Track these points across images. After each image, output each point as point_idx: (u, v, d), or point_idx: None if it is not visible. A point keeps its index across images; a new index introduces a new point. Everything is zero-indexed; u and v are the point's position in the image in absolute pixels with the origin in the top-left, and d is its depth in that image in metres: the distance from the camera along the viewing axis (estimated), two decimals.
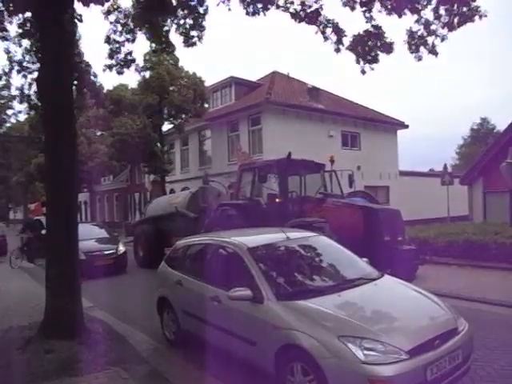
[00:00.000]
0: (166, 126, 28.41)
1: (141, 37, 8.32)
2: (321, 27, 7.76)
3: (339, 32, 7.75)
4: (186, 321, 5.70)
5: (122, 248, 13.94)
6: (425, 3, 7.15)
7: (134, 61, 8.56)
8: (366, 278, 4.84)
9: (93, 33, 13.02)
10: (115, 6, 8.01)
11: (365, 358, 3.44)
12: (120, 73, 8.54)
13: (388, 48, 7.68)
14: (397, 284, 4.93)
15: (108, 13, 8.04)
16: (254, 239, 5.55)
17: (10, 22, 8.01)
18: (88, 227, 15.41)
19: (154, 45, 8.87)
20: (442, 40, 7.36)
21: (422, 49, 7.54)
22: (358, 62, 7.87)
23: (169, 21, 8.14)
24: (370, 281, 4.78)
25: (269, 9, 7.71)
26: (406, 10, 7.20)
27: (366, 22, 7.62)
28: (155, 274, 6.80)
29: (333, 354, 3.56)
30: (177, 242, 6.75)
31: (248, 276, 4.62)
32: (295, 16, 7.75)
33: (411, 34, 7.48)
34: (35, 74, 8.77)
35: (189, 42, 8.30)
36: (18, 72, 8.98)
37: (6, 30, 8.17)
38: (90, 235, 13.47)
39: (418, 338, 3.67)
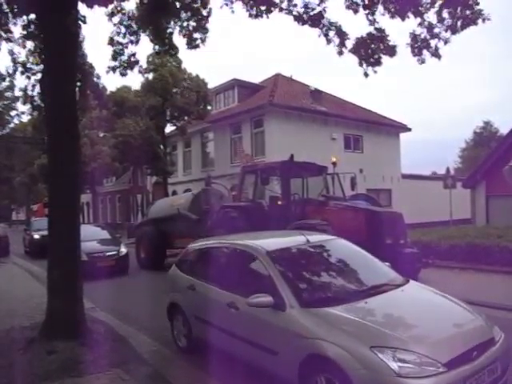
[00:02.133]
0: (169, 128, 28.57)
1: (144, 39, 8.35)
2: (324, 30, 7.76)
3: (342, 35, 7.75)
4: (199, 327, 5.44)
5: (123, 249, 13.92)
6: (428, 6, 7.15)
7: (137, 62, 8.58)
8: (392, 284, 4.63)
9: (96, 34, 13.06)
10: (119, 8, 8.03)
11: (399, 370, 3.22)
12: (123, 74, 8.55)
13: (391, 51, 7.67)
14: (424, 290, 4.72)
15: (112, 14, 8.06)
16: (273, 242, 5.31)
17: (15, 24, 8.03)
18: (90, 228, 15.49)
19: (157, 47, 8.87)
20: (446, 43, 7.34)
21: (425, 52, 7.53)
22: (360, 65, 7.87)
23: (172, 23, 8.16)
24: (396, 287, 4.56)
25: (272, 11, 7.72)
26: (409, 13, 7.19)
27: (369, 24, 7.62)
28: (166, 277, 6.55)
29: (364, 366, 3.33)
30: (188, 246, 6.50)
31: (268, 281, 4.38)
32: (298, 19, 7.76)
33: (414, 36, 7.47)
34: (39, 76, 8.78)
35: (192, 44, 8.32)
36: (22, 73, 8.99)
37: (11, 32, 8.19)
38: (92, 236, 13.44)
39: (454, 349, 3.43)
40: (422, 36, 7.44)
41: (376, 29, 7.61)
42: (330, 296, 4.32)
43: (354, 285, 4.63)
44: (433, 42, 7.43)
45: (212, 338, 5.22)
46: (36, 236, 18.71)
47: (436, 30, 7.31)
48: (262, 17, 7.72)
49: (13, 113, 36.87)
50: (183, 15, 8.05)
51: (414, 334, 3.69)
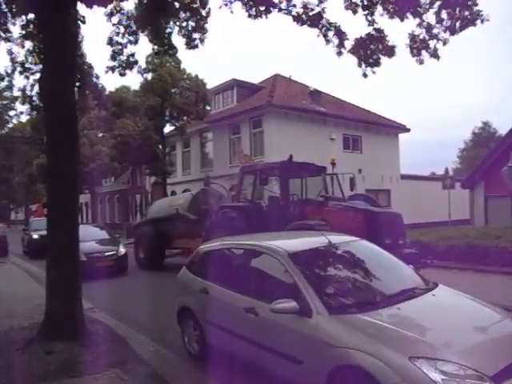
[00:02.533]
0: (168, 128, 28.55)
1: (143, 39, 8.36)
2: (323, 30, 7.77)
3: (341, 35, 7.76)
4: (213, 334, 5.09)
5: (122, 249, 13.91)
6: (427, 7, 7.16)
7: (136, 62, 8.59)
8: (421, 288, 4.39)
9: (95, 34, 13.06)
10: (118, 8, 8.04)
11: (442, 383, 2.96)
12: (122, 74, 8.55)
13: (390, 51, 7.68)
14: (455, 294, 4.48)
15: (111, 14, 8.06)
16: (293, 244, 5.06)
17: (13, 24, 8.03)
18: (89, 228, 15.42)
19: (156, 47, 8.88)
20: (444, 44, 7.37)
21: (424, 52, 7.55)
22: (359, 66, 7.88)
23: (171, 23, 8.17)
24: (426, 291, 4.32)
25: (271, 12, 7.73)
26: (408, 14, 7.21)
27: (368, 25, 7.63)
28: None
29: (402, 378, 3.04)
30: (200, 246, 6.17)
31: (291, 285, 4.11)
32: (297, 19, 7.76)
33: (413, 37, 7.49)
34: (37, 75, 8.79)
35: (191, 44, 8.33)
36: (21, 73, 9.00)
37: (9, 32, 8.19)
38: (90, 236, 13.45)
39: (500, 361, 3.18)
40: (421, 37, 7.46)
41: (375, 29, 7.63)
42: (359, 301, 4.04)
43: (383, 289, 4.35)
44: (432, 43, 7.46)
45: (227, 345, 4.94)
46: (35, 236, 18.68)
47: (435, 31, 7.33)
48: (261, 17, 7.73)
49: (11, 113, 36.94)
50: (182, 15, 8.05)
51: (455, 343, 3.40)
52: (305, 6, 7.69)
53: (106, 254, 13.33)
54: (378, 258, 5.05)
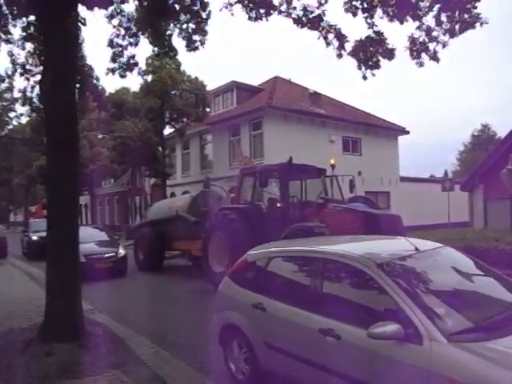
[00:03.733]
0: (168, 130, 28.57)
1: (144, 41, 8.37)
2: (323, 32, 7.79)
3: (341, 37, 7.77)
4: (271, 357, 4.34)
5: (122, 251, 13.92)
6: (426, 10, 7.18)
7: (136, 64, 8.60)
8: None
9: (96, 36, 13.08)
10: (118, 10, 8.06)
11: None
12: (122, 76, 8.56)
13: (389, 54, 7.69)
14: None
15: (111, 17, 8.08)
16: (377, 251, 4.20)
17: (14, 25, 8.05)
18: (88, 230, 15.45)
19: (156, 49, 8.90)
20: (444, 46, 7.38)
21: (423, 55, 7.57)
22: (359, 68, 7.89)
23: (171, 25, 8.18)
24: None
25: (271, 14, 7.74)
26: (408, 17, 7.22)
27: (368, 28, 7.65)
28: (217, 294, 5.38)
29: None
30: (249, 252, 5.25)
31: (386, 303, 3.38)
32: (297, 21, 7.77)
33: (413, 40, 7.50)
34: (38, 77, 8.80)
35: (191, 46, 8.34)
36: (21, 75, 9.01)
37: (10, 33, 8.21)
38: (90, 238, 13.49)
39: None
40: (421, 39, 7.47)
41: (375, 32, 7.64)
42: (480, 323, 3.26)
43: (498, 307, 3.63)
44: (431, 46, 7.47)
45: (293, 373, 4.15)
46: (34, 237, 18.67)
47: (434, 34, 7.34)
48: (261, 19, 7.74)
49: (12, 114, 36.90)
50: (182, 17, 8.07)
51: None
52: (305, 9, 7.70)
53: (106, 255, 13.36)
54: (473, 268, 4.33)
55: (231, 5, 7.62)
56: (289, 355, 4.09)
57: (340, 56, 7.86)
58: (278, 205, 10.62)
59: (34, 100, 10.12)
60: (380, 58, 7.74)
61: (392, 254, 4.09)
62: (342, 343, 3.53)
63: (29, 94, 9.85)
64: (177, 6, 7.82)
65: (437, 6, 7.00)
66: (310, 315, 3.92)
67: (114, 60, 8.35)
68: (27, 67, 8.88)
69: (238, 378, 4.78)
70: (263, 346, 4.39)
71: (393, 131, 27.54)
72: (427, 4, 7.08)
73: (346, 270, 3.98)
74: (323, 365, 3.71)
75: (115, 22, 8.14)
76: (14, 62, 8.88)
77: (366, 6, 7.44)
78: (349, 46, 7.81)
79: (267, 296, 4.49)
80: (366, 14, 7.53)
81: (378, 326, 3.13)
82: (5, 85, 24.29)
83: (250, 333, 4.57)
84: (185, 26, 8.17)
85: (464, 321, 3.31)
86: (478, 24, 6.82)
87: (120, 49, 8.30)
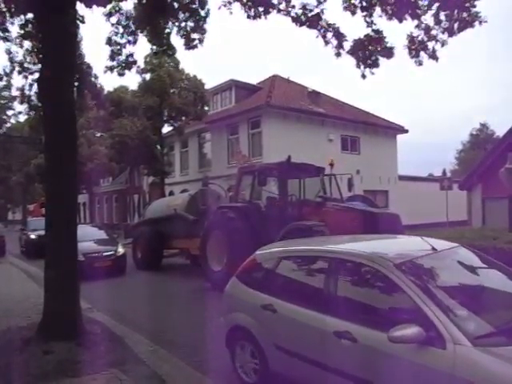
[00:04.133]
0: (166, 128, 28.53)
1: (142, 39, 8.37)
2: (322, 31, 7.79)
3: (340, 36, 7.78)
4: (281, 360, 4.22)
5: (121, 249, 13.88)
6: (425, 9, 7.19)
7: (135, 62, 8.60)
8: None
9: (94, 34, 13.05)
10: (117, 8, 8.05)
11: None
12: (121, 74, 8.57)
13: (388, 53, 7.71)
14: None
15: (110, 14, 8.08)
16: (393, 250, 4.09)
17: (12, 23, 8.04)
18: (87, 228, 15.42)
19: (155, 47, 8.90)
20: (443, 45, 7.40)
21: (422, 54, 7.58)
22: (358, 67, 7.91)
23: (170, 23, 8.18)
24: None
25: (270, 12, 7.74)
26: (407, 15, 7.23)
27: (367, 26, 7.65)
28: (224, 295, 5.21)
29: None
30: (257, 252, 5.11)
31: (407, 305, 3.28)
32: (296, 20, 7.78)
33: (412, 38, 7.51)
34: (36, 75, 8.81)
35: (190, 44, 8.34)
36: (19, 73, 9.02)
37: (8, 31, 8.21)
38: (89, 236, 13.47)
39: None
40: (420, 38, 7.49)
41: (374, 30, 7.65)
42: (503, 327, 3.18)
43: None
44: (430, 44, 7.49)
45: (303, 375, 4.06)
46: (32, 236, 18.65)
47: (433, 32, 7.36)
48: (260, 18, 7.74)
49: (10, 112, 36.82)
50: (181, 16, 8.07)
51: None
52: (304, 7, 7.71)
53: (105, 253, 13.29)
54: (490, 268, 4.26)
55: (230, 3, 7.63)
56: (300, 357, 3.99)
57: (339, 55, 7.88)
58: (277, 204, 10.62)
59: (33, 98, 10.12)
60: (379, 56, 7.75)
61: (409, 253, 3.96)
62: (359, 346, 3.44)
63: (27, 92, 9.86)
64: (175, 4, 7.82)
65: (436, 5, 7.02)
66: (323, 317, 3.80)
67: (112, 58, 8.36)
68: (25, 65, 8.89)
69: (246, 381, 4.67)
70: (273, 348, 4.29)
71: (391, 130, 27.55)
72: (426, 2, 7.10)
73: (362, 271, 3.87)
74: (336, 368, 3.62)
75: (114, 19, 8.16)
76: (12, 60, 8.87)
77: (364, 4, 7.44)
78: (347, 45, 7.83)
79: (277, 297, 4.37)
80: (364, 13, 7.54)
81: (397, 328, 3.04)
82: (3, 83, 24.20)
83: (260, 335, 4.45)
84: (183, 24, 8.18)
85: (486, 324, 3.20)
86: (476, 23, 6.84)
87: (118, 47, 8.31)
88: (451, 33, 7.12)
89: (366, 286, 3.91)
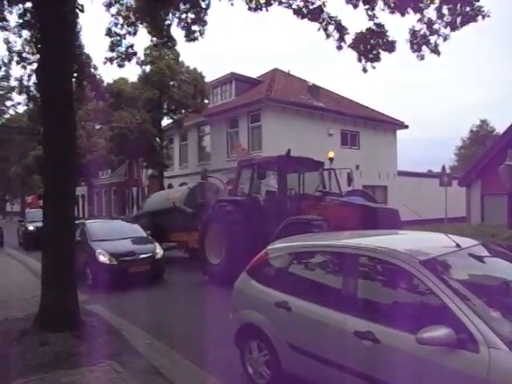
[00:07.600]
0: (166, 121, 28.48)
1: (142, 31, 8.29)
2: (323, 24, 7.74)
3: (342, 29, 7.72)
4: (295, 360, 4.02)
5: (159, 250, 11.23)
6: (428, 2, 7.14)
7: (135, 54, 8.54)
8: None
9: (94, 25, 12.96)
10: None
11: None
12: (121, 66, 8.50)
13: (390, 46, 7.66)
14: None
15: (109, 5, 8.01)
16: (415, 246, 3.85)
17: (10, 12, 7.95)
18: (118, 224, 13.09)
19: (155, 39, 8.82)
20: (445, 39, 7.36)
21: (424, 48, 7.53)
22: (359, 60, 7.86)
23: (170, 15, 8.11)
24: None
25: (271, 4, 7.68)
26: (409, 9, 7.18)
27: (369, 20, 7.60)
28: (234, 291, 4.96)
29: None
30: (270, 247, 4.89)
31: (435, 305, 3.10)
32: (298, 12, 7.71)
33: (414, 32, 7.46)
34: (35, 65, 8.69)
35: (190, 36, 8.28)
36: (18, 63, 8.89)
37: (6, 20, 8.11)
38: (120, 234, 11.44)
39: None
40: (422, 32, 7.45)
41: (375, 24, 7.60)
42: None
43: None
44: (432, 39, 7.45)
45: (319, 377, 3.87)
46: (30, 227, 18.62)
47: (435, 27, 7.32)
48: (261, 10, 7.69)
49: (8, 103, 36.63)
50: (182, 7, 8.01)
51: None
52: (305, 0, 7.64)
53: (141, 256, 10.62)
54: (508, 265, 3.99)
55: None
56: (316, 358, 3.78)
57: (340, 48, 7.83)
58: (276, 197, 10.59)
59: (31, 89, 10.02)
60: (380, 50, 7.71)
61: (433, 250, 3.70)
62: (382, 348, 3.24)
63: (26, 83, 9.75)
64: None
65: None
66: (343, 316, 3.59)
67: (112, 49, 8.29)
68: (24, 55, 8.76)
69: (256, 382, 4.45)
70: (286, 348, 4.07)
71: (391, 125, 27.50)
72: None
73: (385, 268, 3.67)
74: (355, 369, 3.43)
75: (113, 10, 8.08)
76: (10, 50, 8.76)
77: None
78: (349, 38, 7.78)
79: (292, 294, 4.16)
80: (367, 6, 7.49)
81: (426, 330, 2.85)
82: (1, 73, 24.10)
83: (272, 333, 4.22)
84: (184, 15, 8.12)
85: None
86: (479, 17, 6.79)
87: (118, 38, 8.24)
88: (454, 27, 7.08)
89: (389, 284, 3.69)
